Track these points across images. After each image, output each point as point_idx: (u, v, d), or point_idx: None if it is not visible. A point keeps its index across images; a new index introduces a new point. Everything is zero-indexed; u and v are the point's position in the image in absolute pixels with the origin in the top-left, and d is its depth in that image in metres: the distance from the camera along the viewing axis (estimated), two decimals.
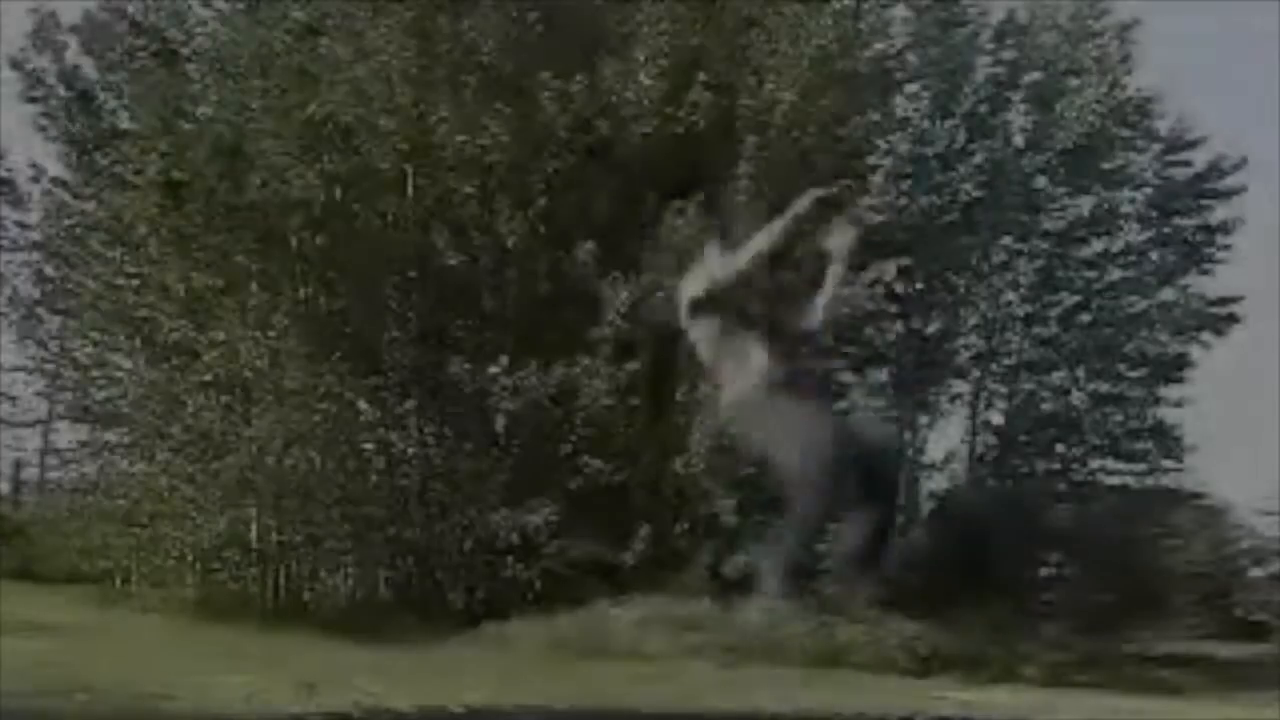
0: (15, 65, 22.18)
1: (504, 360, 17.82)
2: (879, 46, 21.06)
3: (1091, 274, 22.89)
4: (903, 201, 22.14)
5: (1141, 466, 22.54)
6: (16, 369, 24.85)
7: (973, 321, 22.88)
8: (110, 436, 21.00)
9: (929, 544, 21.52)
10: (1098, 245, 22.98)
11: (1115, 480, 22.67)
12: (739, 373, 4.69)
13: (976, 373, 22.72)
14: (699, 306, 4.80)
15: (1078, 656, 16.92)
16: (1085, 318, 22.65)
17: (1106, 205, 22.66)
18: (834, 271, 4.75)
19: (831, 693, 11.68)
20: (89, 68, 22.29)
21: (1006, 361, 22.81)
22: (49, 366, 24.52)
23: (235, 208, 17.60)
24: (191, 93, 17.87)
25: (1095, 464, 22.68)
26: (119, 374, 20.78)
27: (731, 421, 4.67)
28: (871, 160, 21.44)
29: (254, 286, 17.53)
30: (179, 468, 17.94)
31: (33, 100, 22.41)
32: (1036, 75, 22.31)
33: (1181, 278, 22.86)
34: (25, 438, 26.37)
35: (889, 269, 19.11)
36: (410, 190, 17.94)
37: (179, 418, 17.83)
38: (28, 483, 26.63)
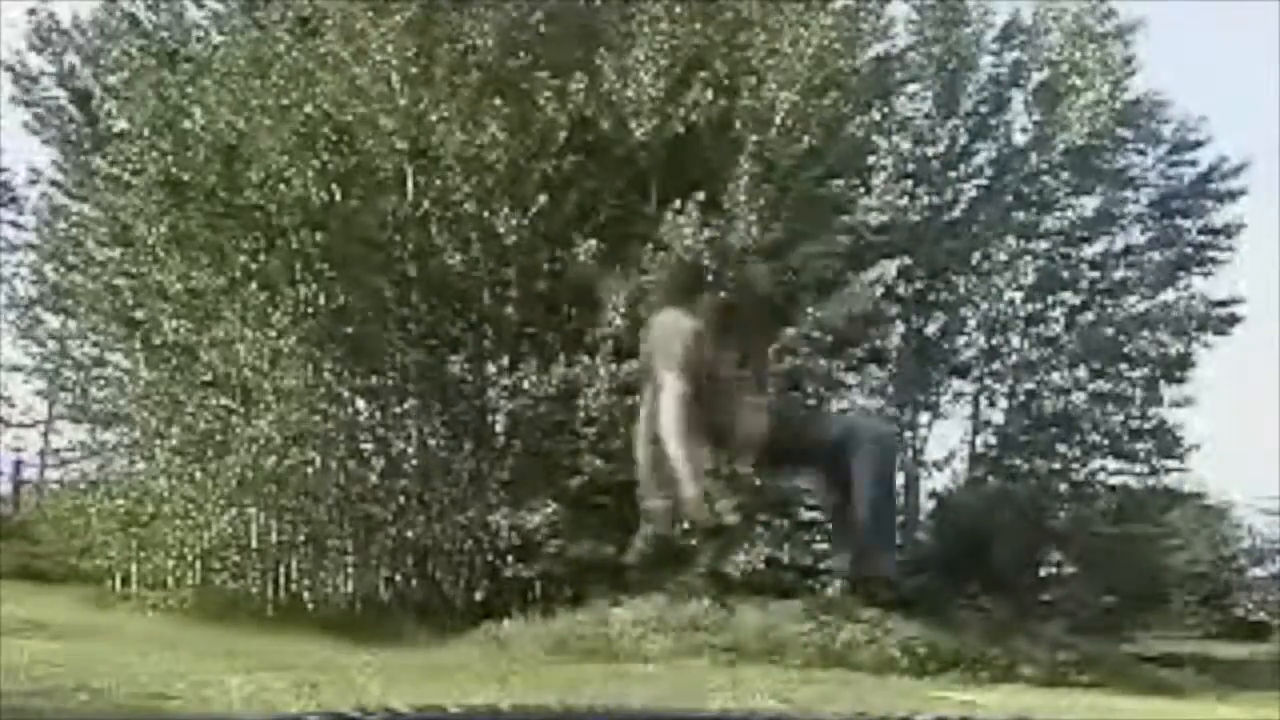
0: (10, 68, 22.23)
1: (504, 360, 17.83)
2: (880, 46, 21.07)
3: (1094, 274, 22.87)
4: (904, 201, 22.14)
5: (1141, 467, 22.51)
6: (16, 369, 24.86)
7: (974, 321, 22.87)
8: (110, 436, 21.01)
9: (929, 544, 21.52)
10: (1100, 245, 22.96)
11: (1115, 480, 22.66)
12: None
13: (977, 372, 22.70)
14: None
15: (1078, 656, 16.89)
16: (1087, 318, 22.63)
17: (1109, 206, 22.64)
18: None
19: (831, 692, 11.67)
20: (86, 69, 22.31)
21: (1007, 361, 22.80)
22: (49, 366, 24.52)
23: (234, 207, 17.60)
24: (190, 93, 17.84)
25: (1095, 464, 22.65)
26: (119, 374, 20.79)
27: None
28: (873, 160, 21.44)
29: (253, 286, 17.51)
30: (179, 468, 17.93)
31: (29, 103, 22.44)
32: (1040, 76, 22.31)
33: (1184, 278, 22.84)
34: (25, 438, 26.37)
35: (889, 269, 19.14)
36: (410, 190, 17.93)
37: (179, 418, 17.82)
38: (28, 483, 26.61)
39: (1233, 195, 22.68)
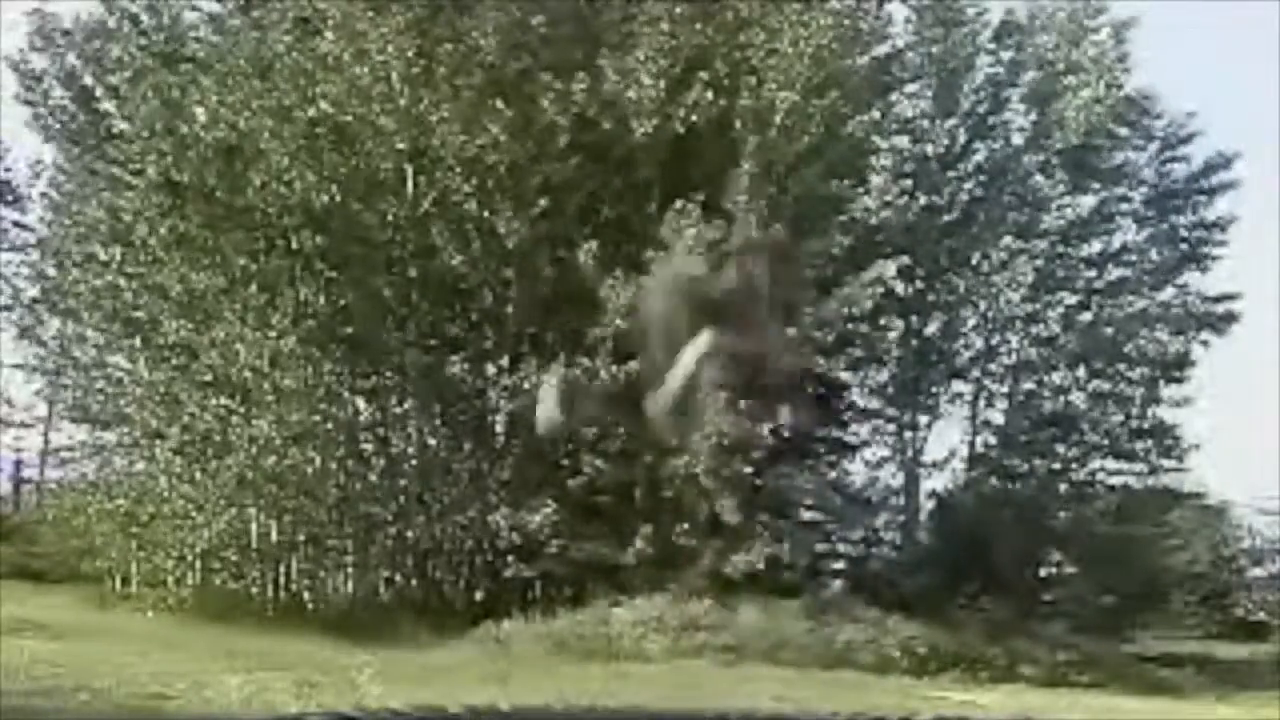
0: (15, 66, 22.25)
1: (504, 361, 17.84)
2: (879, 47, 21.07)
3: (1091, 273, 22.88)
4: (902, 201, 22.15)
5: (1141, 466, 22.52)
6: (16, 368, 24.90)
7: (972, 321, 22.87)
8: (110, 436, 21.01)
9: (929, 544, 21.52)
10: (1097, 244, 22.97)
11: (1115, 480, 22.66)
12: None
13: (976, 372, 22.70)
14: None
15: (1078, 656, 16.92)
16: (1085, 317, 22.63)
17: (1105, 204, 22.65)
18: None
19: (831, 692, 11.68)
20: (87, 69, 22.32)
21: (1006, 361, 22.80)
22: (49, 366, 24.55)
23: (235, 208, 17.61)
24: (190, 93, 17.85)
25: (1095, 464, 22.66)
26: (119, 374, 20.79)
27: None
28: (872, 160, 21.44)
29: (253, 287, 17.52)
30: (179, 468, 17.94)
31: (31, 103, 22.45)
32: (1035, 74, 22.30)
33: (1180, 276, 22.84)
34: (25, 438, 26.39)
35: (888, 269, 19.13)
36: (410, 190, 17.93)
37: (179, 418, 17.82)
38: (28, 482, 26.63)
39: (1225, 188, 22.67)
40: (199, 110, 17.61)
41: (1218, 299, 22.45)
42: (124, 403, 19.86)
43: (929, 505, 22.32)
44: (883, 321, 21.14)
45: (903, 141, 22.65)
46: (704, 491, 17.21)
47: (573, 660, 14.09)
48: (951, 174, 22.58)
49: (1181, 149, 22.87)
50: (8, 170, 24.99)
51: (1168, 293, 22.71)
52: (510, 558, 17.24)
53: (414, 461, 18.13)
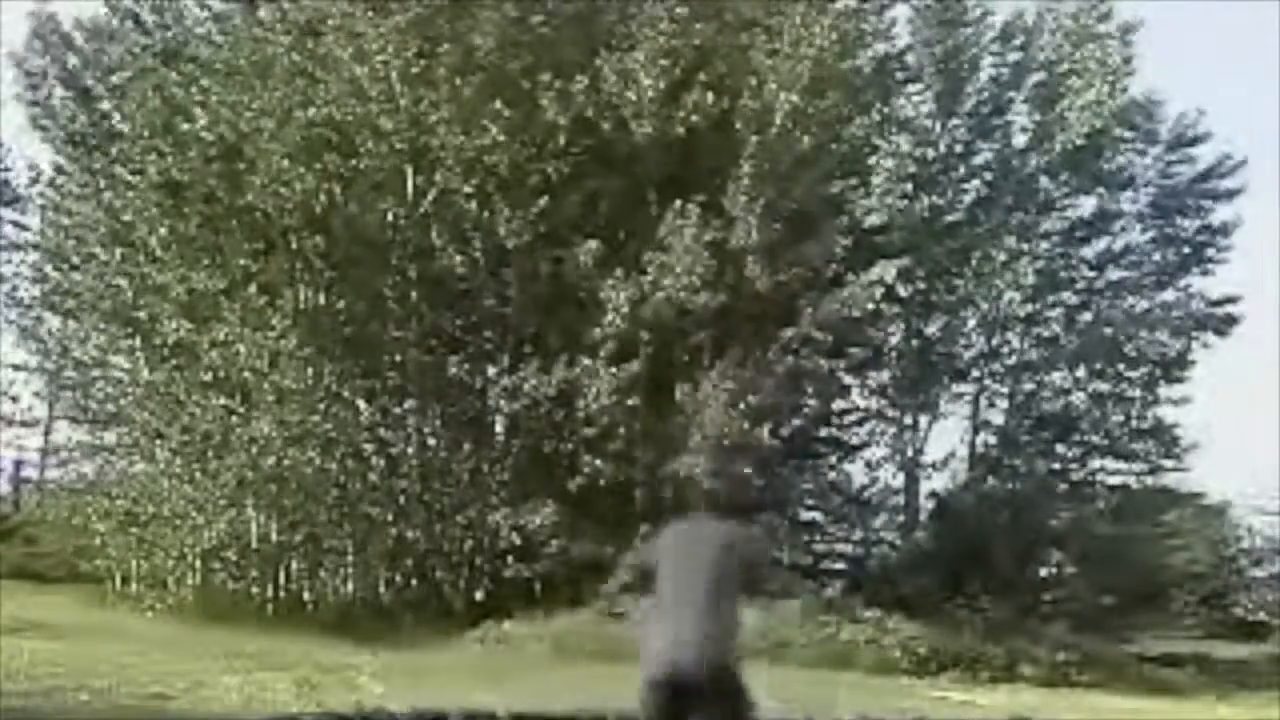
0: (16, 66, 22.28)
1: (504, 361, 17.82)
2: (881, 47, 21.06)
3: (1092, 274, 22.87)
4: (904, 202, 22.13)
5: (1141, 466, 22.53)
6: (16, 369, 24.93)
7: (974, 321, 22.87)
8: (110, 436, 21.02)
9: (929, 544, 21.52)
10: (1099, 245, 22.97)
11: (1115, 480, 22.68)
12: None
13: (977, 372, 22.70)
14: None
15: (1078, 656, 16.92)
16: (1086, 318, 22.64)
17: (1108, 206, 22.64)
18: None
19: (832, 693, 11.68)
20: (88, 70, 22.34)
21: (1007, 361, 22.80)
22: (49, 366, 24.56)
23: (235, 208, 17.61)
24: (191, 93, 17.85)
25: (1095, 464, 22.67)
26: (119, 374, 20.80)
27: None
28: (873, 161, 21.43)
29: (253, 287, 17.51)
30: (179, 468, 17.94)
31: (33, 103, 22.47)
32: (1039, 76, 22.29)
33: (1182, 278, 22.83)
34: (25, 438, 26.42)
35: (889, 270, 19.12)
36: (410, 190, 17.93)
37: (179, 418, 17.82)
38: (28, 482, 26.65)
39: (1230, 194, 22.67)
40: (199, 110, 17.61)
41: (1220, 302, 22.45)
42: (124, 403, 19.86)
43: (929, 505, 22.34)
44: (884, 322, 21.14)
45: (905, 142, 22.64)
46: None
47: (573, 660, 14.08)
48: (954, 175, 22.59)
49: (1186, 151, 22.83)
50: (7, 170, 25.04)
51: (1169, 295, 22.71)
52: (510, 558, 17.23)
53: (414, 462, 18.13)
